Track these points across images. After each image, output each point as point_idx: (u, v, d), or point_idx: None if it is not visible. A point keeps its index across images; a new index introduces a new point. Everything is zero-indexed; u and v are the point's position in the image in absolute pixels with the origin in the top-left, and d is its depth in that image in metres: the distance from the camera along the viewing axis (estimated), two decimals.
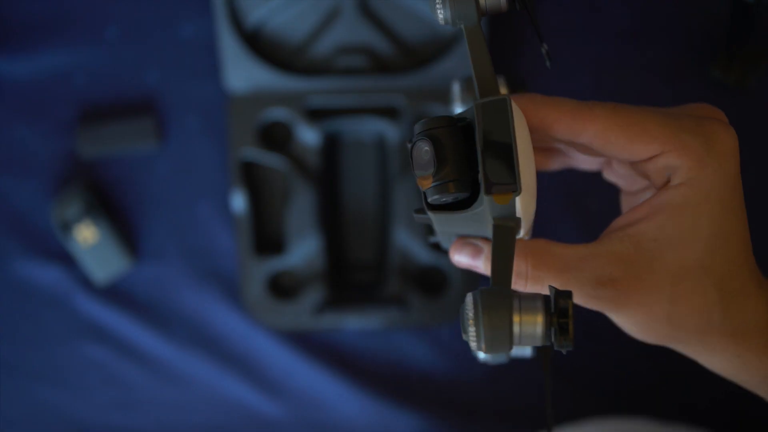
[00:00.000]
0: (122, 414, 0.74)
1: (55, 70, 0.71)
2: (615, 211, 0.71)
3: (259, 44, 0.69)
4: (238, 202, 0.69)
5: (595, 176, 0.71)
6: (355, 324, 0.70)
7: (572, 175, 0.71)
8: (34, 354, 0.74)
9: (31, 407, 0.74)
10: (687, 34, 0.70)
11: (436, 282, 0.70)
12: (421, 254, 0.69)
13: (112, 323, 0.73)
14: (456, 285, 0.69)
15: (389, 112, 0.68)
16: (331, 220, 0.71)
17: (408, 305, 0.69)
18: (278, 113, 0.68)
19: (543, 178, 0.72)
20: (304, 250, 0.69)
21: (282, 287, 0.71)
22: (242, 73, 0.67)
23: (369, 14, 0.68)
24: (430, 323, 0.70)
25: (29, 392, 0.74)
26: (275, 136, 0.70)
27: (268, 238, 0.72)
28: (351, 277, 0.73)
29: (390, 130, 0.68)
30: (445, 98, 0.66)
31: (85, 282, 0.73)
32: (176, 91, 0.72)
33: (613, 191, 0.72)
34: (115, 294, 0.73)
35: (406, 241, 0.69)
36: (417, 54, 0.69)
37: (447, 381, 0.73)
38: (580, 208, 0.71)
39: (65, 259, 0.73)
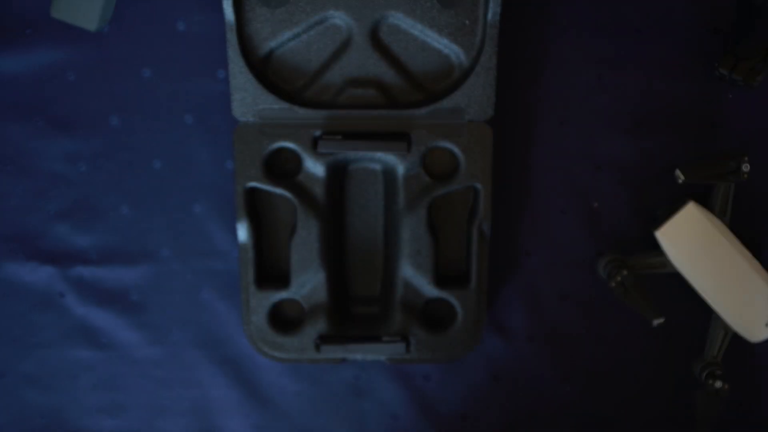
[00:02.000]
0: (113, 418, 0.73)
1: (48, 67, 0.70)
2: (615, 209, 0.71)
3: (269, 74, 0.67)
4: (242, 233, 0.68)
5: (598, 176, 0.70)
6: (357, 357, 0.69)
7: (575, 174, 0.70)
8: (23, 357, 0.73)
9: (20, 412, 0.73)
10: (693, 32, 0.69)
11: (443, 315, 0.69)
12: (427, 288, 0.67)
13: (104, 325, 0.72)
14: (465, 318, 0.67)
15: (398, 146, 0.67)
16: (337, 253, 0.69)
17: (411, 341, 0.68)
18: (286, 145, 0.68)
19: (548, 178, 0.72)
20: (308, 284, 0.67)
21: (285, 317, 0.69)
22: (250, 103, 0.66)
23: (379, 46, 0.66)
24: (434, 360, 0.69)
25: (18, 396, 0.73)
26: (282, 164, 0.68)
27: (272, 268, 0.70)
28: (355, 310, 0.71)
29: (399, 164, 0.67)
30: (454, 132, 0.66)
31: (76, 283, 0.72)
32: (172, 90, 0.70)
33: (614, 191, 0.71)
34: (108, 295, 0.72)
35: (411, 275, 0.67)
36: (427, 88, 0.68)
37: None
38: (583, 205, 0.70)
39: (56, 259, 0.71)
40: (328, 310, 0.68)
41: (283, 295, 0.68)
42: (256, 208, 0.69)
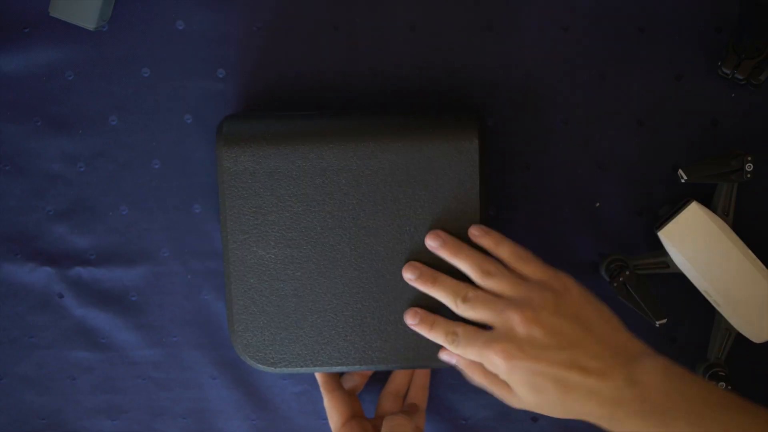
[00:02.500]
0: (113, 420, 0.73)
1: (46, 66, 0.70)
2: (618, 208, 0.70)
3: None
4: None
5: (600, 175, 0.70)
6: (355, 368, 0.67)
7: (578, 173, 0.70)
8: (21, 358, 0.72)
9: (19, 413, 0.73)
10: (697, 31, 0.68)
11: None
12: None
13: (103, 326, 0.72)
14: None
15: None
16: None
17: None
18: None
19: (550, 177, 0.71)
20: None
21: None
22: None
23: None
24: (430, 365, 0.66)
25: (17, 398, 0.73)
26: None
27: None
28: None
29: None
30: None
31: (75, 283, 0.71)
32: (172, 89, 0.70)
33: (616, 190, 0.70)
34: (107, 296, 0.71)
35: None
36: None
37: None
38: (585, 205, 0.70)
39: (55, 260, 0.71)
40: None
41: None
42: None
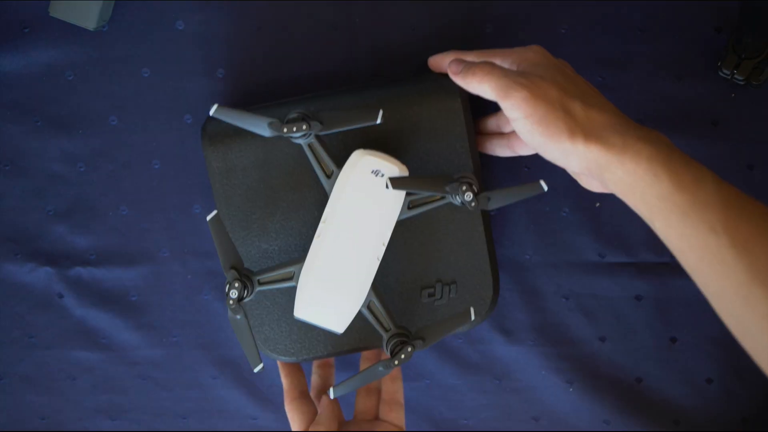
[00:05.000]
0: (113, 420, 0.73)
1: (46, 66, 0.70)
2: (619, 212, 0.70)
3: None
4: None
5: None
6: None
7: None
8: (21, 358, 0.72)
9: (19, 413, 0.73)
10: (696, 31, 0.68)
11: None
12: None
13: (103, 326, 0.72)
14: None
15: None
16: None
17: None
18: None
19: (550, 177, 0.71)
20: None
21: None
22: None
23: None
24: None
25: (17, 398, 0.73)
26: None
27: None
28: None
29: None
30: None
31: (75, 283, 0.71)
32: (170, 89, 0.70)
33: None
34: (107, 296, 0.71)
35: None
36: None
37: None
38: (585, 205, 0.70)
39: (55, 260, 0.71)
40: None
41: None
42: None
